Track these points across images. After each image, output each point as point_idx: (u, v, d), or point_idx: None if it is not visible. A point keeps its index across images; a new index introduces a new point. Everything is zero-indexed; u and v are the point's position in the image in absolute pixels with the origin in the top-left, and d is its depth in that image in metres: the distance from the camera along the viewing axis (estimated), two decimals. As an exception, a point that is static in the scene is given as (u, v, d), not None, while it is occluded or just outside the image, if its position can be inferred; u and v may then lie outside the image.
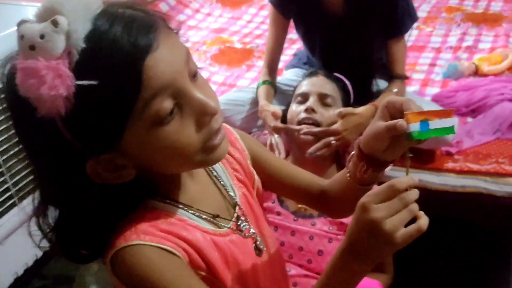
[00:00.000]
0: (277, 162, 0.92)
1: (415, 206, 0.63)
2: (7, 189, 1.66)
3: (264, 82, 1.78)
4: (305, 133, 1.50)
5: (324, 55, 1.82)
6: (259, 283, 0.80)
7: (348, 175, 0.80)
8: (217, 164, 0.81)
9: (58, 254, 0.70)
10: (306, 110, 1.54)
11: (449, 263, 1.91)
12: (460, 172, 1.63)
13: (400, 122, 0.67)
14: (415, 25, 2.25)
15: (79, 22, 0.56)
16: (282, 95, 1.81)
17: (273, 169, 0.90)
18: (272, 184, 0.91)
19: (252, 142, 0.90)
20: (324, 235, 1.45)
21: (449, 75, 2.12)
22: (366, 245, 0.63)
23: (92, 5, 0.57)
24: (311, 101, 1.55)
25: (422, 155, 1.64)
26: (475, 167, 1.63)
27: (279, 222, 1.49)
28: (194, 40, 2.71)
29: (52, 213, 0.69)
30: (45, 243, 0.68)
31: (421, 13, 2.72)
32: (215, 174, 0.81)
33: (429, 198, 1.57)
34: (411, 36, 2.50)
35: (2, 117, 1.55)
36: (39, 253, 1.99)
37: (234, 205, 0.81)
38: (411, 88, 2.08)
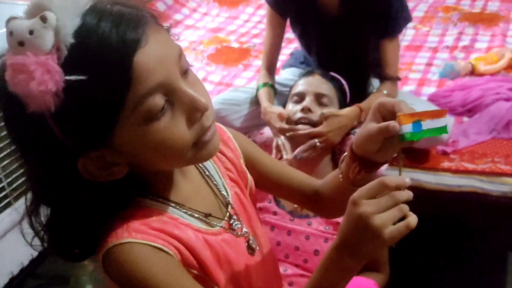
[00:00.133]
0: (269, 162, 0.92)
1: (405, 206, 0.63)
2: (2, 189, 1.66)
3: (264, 85, 1.78)
4: (290, 135, 1.51)
5: (320, 55, 1.82)
6: (251, 282, 0.79)
7: (340, 176, 0.80)
8: (209, 163, 0.82)
9: (51, 252, 0.70)
10: (303, 110, 1.54)
11: (445, 263, 1.91)
12: (456, 171, 1.63)
13: (392, 123, 0.67)
14: (411, 24, 2.25)
15: (67, 18, 0.56)
16: (279, 95, 1.81)
17: (266, 168, 0.90)
18: (265, 183, 0.91)
19: (245, 141, 0.90)
20: (320, 235, 1.46)
21: (445, 75, 2.12)
22: (355, 240, 0.63)
23: (80, 1, 0.57)
24: (308, 101, 1.55)
25: (418, 154, 1.65)
26: (470, 166, 1.63)
27: (275, 221, 1.49)
28: (191, 39, 2.71)
29: (45, 212, 0.68)
30: (37, 242, 0.68)
31: (418, 12, 2.73)
32: (207, 173, 0.81)
33: (425, 198, 1.58)
34: (408, 35, 2.50)
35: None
36: (35, 253, 1.99)
37: (227, 204, 0.80)
38: (408, 88, 2.08)
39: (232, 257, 0.75)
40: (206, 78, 2.30)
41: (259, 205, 1.52)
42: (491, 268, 1.87)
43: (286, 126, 1.57)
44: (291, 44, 2.47)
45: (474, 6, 2.78)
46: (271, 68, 1.84)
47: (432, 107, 1.75)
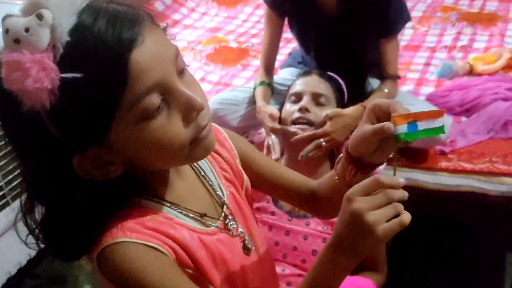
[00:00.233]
0: (265, 162, 0.92)
1: (399, 204, 0.63)
2: (0, 188, 1.66)
3: (261, 83, 1.78)
4: (295, 139, 1.51)
5: (318, 54, 1.82)
6: (247, 282, 0.79)
7: (336, 177, 0.80)
8: (204, 164, 0.82)
9: (47, 251, 0.69)
10: (300, 110, 1.54)
11: (443, 263, 1.91)
12: (454, 171, 1.63)
13: (387, 124, 0.67)
14: (410, 24, 2.25)
15: (63, 16, 0.56)
16: (277, 95, 1.81)
17: (262, 169, 0.90)
18: (261, 184, 0.91)
19: (240, 142, 0.90)
20: (318, 235, 1.46)
21: (443, 75, 2.12)
22: (349, 236, 0.63)
23: (76, 0, 0.58)
24: (305, 101, 1.55)
25: (416, 154, 1.65)
26: (468, 166, 1.63)
27: (273, 222, 1.49)
28: (189, 39, 2.70)
29: (40, 211, 0.68)
30: (31, 239, 0.68)
31: (417, 12, 2.73)
32: (202, 173, 0.81)
33: (423, 198, 1.58)
34: (406, 35, 2.50)
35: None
36: (32, 253, 1.98)
37: (222, 204, 0.80)
38: (406, 88, 2.08)
39: (227, 257, 0.75)
40: (205, 78, 2.30)
41: (257, 205, 1.52)
42: (490, 268, 1.87)
43: (278, 126, 1.57)
44: (289, 44, 2.47)
45: (472, 6, 2.78)
46: (269, 67, 1.84)
47: (431, 107, 1.76)
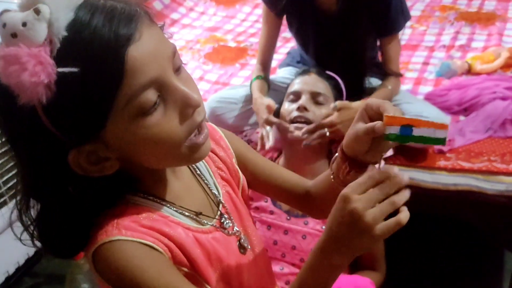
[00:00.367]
0: (261, 162, 0.92)
1: (397, 199, 0.62)
2: (-2, 187, 1.66)
3: (257, 77, 1.79)
4: (303, 133, 1.50)
5: (317, 53, 1.82)
6: (242, 281, 0.79)
7: (331, 176, 0.80)
8: (200, 162, 0.82)
9: (43, 249, 0.69)
10: (298, 109, 1.54)
11: (442, 261, 1.91)
12: (452, 170, 1.63)
13: (378, 124, 0.67)
14: (408, 24, 2.25)
15: (61, 11, 0.56)
16: (276, 94, 1.81)
17: (257, 168, 0.90)
18: (257, 183, 0.91)
19: (236, 141, 0.90)
20: (316, 234, 1.46)
21: (442, 74, 2.12)
22: (345, 236, 0.63)
23: None
24: (303, 100, 1.55)
25: (414, 153, 1.64)
26: (467, 165, 1.62)
27: (272, 221, 1.49)
28: (188, 38, 2.70)
29: (36, 208, 0.68)
30: (25, 237, 0.68)
31: (415, 11, 2.72)
32: (198, 172, 0.81)
33: (421, 197, 1.58)
34: (405, 34, 2.50)
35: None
36: (31, 252, 1.99)
37: (218, 203, 0.80)
38: (404, 87, 2.07)
39: (222, 255, 0.75)
40: (203, 77, 2.30)
41: (255, 204, 1.52)
42: (488, 266, 1.88)
43: (273, 118, 1.57)
44: (288, 44, 2.47)
45: (470, 6, 2.78)
46: (265, 64, 1.85)
47: (430, 106, 1.76)
